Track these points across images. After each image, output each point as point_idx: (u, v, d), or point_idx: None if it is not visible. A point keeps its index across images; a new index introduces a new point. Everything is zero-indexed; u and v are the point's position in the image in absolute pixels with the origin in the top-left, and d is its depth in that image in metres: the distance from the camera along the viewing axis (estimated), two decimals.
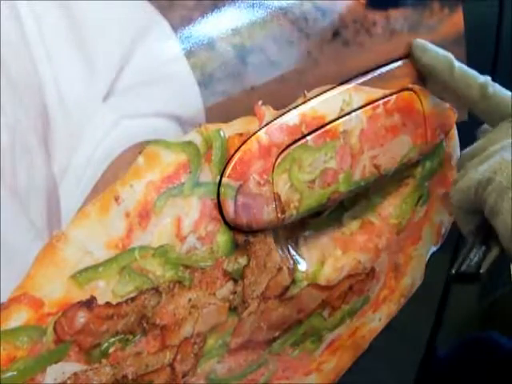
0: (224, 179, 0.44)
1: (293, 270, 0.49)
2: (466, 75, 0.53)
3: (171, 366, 0.45)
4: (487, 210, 0.46)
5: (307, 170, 0.47)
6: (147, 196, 0.41)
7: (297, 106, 0.47)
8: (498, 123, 0.51)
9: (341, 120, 0.49)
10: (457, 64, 0.53)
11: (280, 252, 0.48)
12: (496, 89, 0.52)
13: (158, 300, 0.43)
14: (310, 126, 0.47)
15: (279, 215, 0.46)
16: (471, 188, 0.48)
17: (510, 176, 0.46)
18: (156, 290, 0.43)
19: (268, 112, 0.45)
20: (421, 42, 0.54)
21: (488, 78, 0.53)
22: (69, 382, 0.41)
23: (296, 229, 0.51)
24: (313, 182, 0.48)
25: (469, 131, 0.58)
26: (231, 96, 0.44)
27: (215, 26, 0.44)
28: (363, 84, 0.50)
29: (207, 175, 0.43)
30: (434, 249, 0.60)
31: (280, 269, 0.48)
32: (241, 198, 0.44)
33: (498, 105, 0.52)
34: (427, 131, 0.54)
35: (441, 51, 0.54)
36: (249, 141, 0.45)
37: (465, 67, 0.53)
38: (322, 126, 0.48)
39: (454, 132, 0.58)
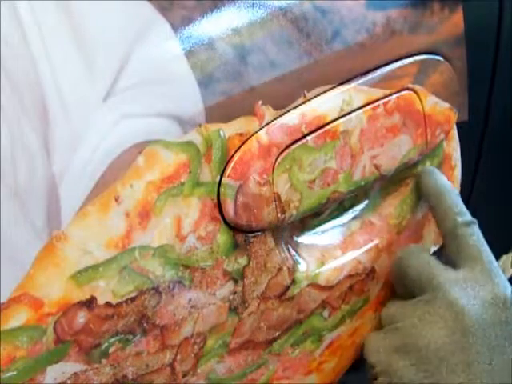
0: (224, 179, 0.44)
1: (293, 270, 0.49)
2: (449, 206, 0.52)
3: (171, 365, 0.45)
4: None
5: (307, 170, 0.47)
6: (147, 196, 0.41)
7: (297, 106, 0.47)
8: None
9: (341, 120, 0.49)
10: (449, 194, 0.53)
11: (280, 252, 0.48)
12: (466, 238, 0.51)
13: (158, 300, 0.43)
14: (310, 126, 0.47)
15: (279, 215, 0.46)
16: None
17: None
18: (156, 290, 0.43)
19: (268, 112, 0.45)
20: (431, 168, 0.55)
21: (470, 221, 0.52)
22: (69, 381, 0.41)
23: (296, 229, 0.51)
24: (313, 182, 0.48)
25: (469, 131, 0.58)
26: (231, 96, 0.44)
27: (215, 25, 0.44)
28: (363, 84, 0.50)
29: (207, 175, 0.43)
30: (434, 249, 0.60)
31: (280, 269, 0.48)
32: (241, 197, 0.44)
33: (457, 253, 0.51)
34: (427, 131, 0.54)
35: (443, 179, 0.54)
36: (249, 141, 0.45)
37: (457, 200, 0.53)
38: (322, 126, 0.48)
39: (454, 132, 0.58)
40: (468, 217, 0.52)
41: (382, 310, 0.53)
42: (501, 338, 0.48)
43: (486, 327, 0.48)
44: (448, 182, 0.54)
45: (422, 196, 0.55)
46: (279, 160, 0.46)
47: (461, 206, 0.53)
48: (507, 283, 0.50)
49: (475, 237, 0.51)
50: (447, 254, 0.53)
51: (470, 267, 0.50)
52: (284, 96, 0.46)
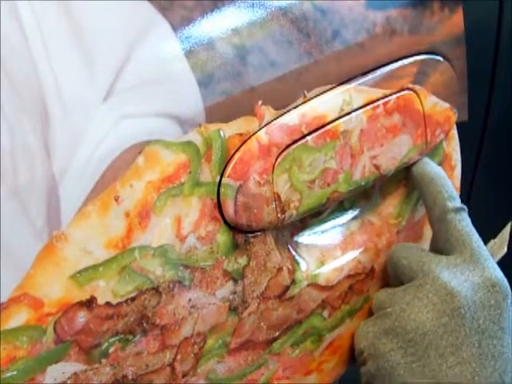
0: (224, 179, 0.44)
1: (293, 270, 0.49)
2: (439, 191, 0.52)
3: (171, 366, 0.45)
4: None
5: (307, 170, 0.47)
6: (147, 196, 0.41)
7: (297, 106, 0.47)
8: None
9: (341, 120, 0.49)
10: (440, 180, 0.53)
11: (280, 252, 0.48)
12: (456, 223, 0.51)
13: (158, 300, 0.43)
14: (310, 126, 0.47)
15: (279, 215, 0.46)
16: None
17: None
18: (156, 290, 0.43)
19: (268, 112, 0.45)
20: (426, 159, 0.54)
21: (459, 207, 0.51)
22: (69, 381, 0.41)
23: (296, 229, 0.51)
24: (313, 182, 0.48)
25: (469, 131, 0.58)
26: (231, 96, 0.44)
27: (215, 25, 0.44)
28: (363, 84, 0.50)
29: (207, 175, 0.43)
30: None
31: (280, 269, 0.48)
32: (241, 197, 0.44)
33: (446, 239, 0.51)
34: (427, 131, 0.54)
35: (434, 166, 0.54)
36: (249, 141, 0.45)
37: (447, 184, 0.52)
38: (322, 126, 0.48)
39: (454, 132, 0.58)
40: (458, 202, 0.52)
41: (374, 297, 0.53)
42: (490, 322, 0.48)
43: (475, 310, 0.47)
44: (439, 169, 0.54)
45: (414, 184, 0.55)
46: (279, 160, 0.46)
47: (450, 192, 0.52)
48: (496, 267, 0.50)
49: (464, 222, 0.51)
50: (435, 241, 0.53)
51: (460, 252, 0.50)
52: (284, 96, 0.46)
